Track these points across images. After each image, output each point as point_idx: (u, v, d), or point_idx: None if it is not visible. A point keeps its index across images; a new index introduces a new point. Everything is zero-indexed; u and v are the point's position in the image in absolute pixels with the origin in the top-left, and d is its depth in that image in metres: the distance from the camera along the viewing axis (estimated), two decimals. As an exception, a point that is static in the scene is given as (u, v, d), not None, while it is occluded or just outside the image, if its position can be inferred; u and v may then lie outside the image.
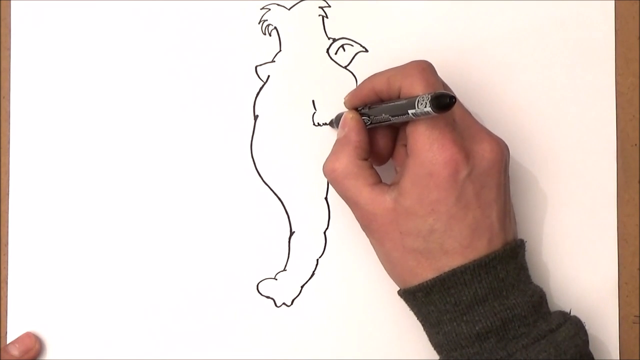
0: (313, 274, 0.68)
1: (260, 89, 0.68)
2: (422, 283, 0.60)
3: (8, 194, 0.67)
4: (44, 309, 0.67)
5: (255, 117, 0.68)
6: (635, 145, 0.67)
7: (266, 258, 0.67)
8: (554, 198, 0.68)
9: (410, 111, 0.57)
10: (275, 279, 0.67)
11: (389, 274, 0.63)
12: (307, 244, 0.68)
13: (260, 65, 0.68)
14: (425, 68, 0.60)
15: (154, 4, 0.67)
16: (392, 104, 0.60)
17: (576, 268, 0.67)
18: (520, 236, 0.64)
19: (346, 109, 0.64)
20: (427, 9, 0.68)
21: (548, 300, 0.62)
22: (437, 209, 0.59)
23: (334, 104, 0.67)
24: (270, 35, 0.68)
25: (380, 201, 0.60)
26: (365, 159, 0.62)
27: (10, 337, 0.66)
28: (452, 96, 0.55)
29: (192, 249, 0.67)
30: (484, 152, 0.60)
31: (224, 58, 0.67)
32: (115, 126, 0.67)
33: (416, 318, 0.62)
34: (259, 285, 0.67)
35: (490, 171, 0.60)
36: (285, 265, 0.68)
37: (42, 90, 0.67)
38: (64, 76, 0.67)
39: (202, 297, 0.67)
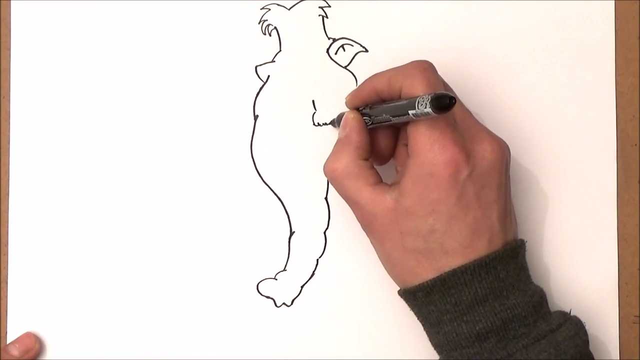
0: (313, 274, 0.68)
1: (260, 89, 0.68)
2: (423, 283, 0.60)
3: (8, 194, 0.67)
4: (44, 309, 0.67)
5: (255, 117, 0.68)
6: (635, 145, 0.67)
7: (266, 258, 0.67)
8: (553, 198, 0.68)
9: (410, 112, 0.57)
10: (275, 279, 0.67)
11: (389, 273, 0.63)
12: (307, 244, 0.68)
13: (260, 65, 0.68)
14: (426, 68, 0.60)
15: (154, 4, 0.67)
16: (393, 104, 0.60)
17: (576, 268, 0.67)
18: (520, 236, 0.64)
19: (347, 109, 0.64)
20: (427, 9, 0.68)
21: (548, 300, 0.62)
22: (437, 209, 0.59)
23: (334, 104, 0.67)
24: (270, 35, 0.68)
25: (380, 201, 0.60)
26: (366, 159, 0.62)
27: (10, 337, 0.66)
28: (452, 97, 0.55)
29: (192, 249, 0.67)
30: (485, 152, 0.60)
31: (224, 58, 0.67)
32: (116, 126, 0.67)
33: (416, 318, 0.62)
34: (259, 285, 0.67)
35: (491, 171, 0.60)
36: (285, 265, 0.68)
37: (42, 90, 0.67)
38: (64, 76, 0.67)
39: (202, 297, 0.67)
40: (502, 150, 0.61)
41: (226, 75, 0.67)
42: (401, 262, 0.60)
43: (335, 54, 0.68)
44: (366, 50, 0.68)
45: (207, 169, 0.67)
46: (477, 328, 0.59)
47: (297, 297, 0.67)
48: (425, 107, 0.56)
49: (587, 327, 0.62)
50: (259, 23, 0.68)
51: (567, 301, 0.67)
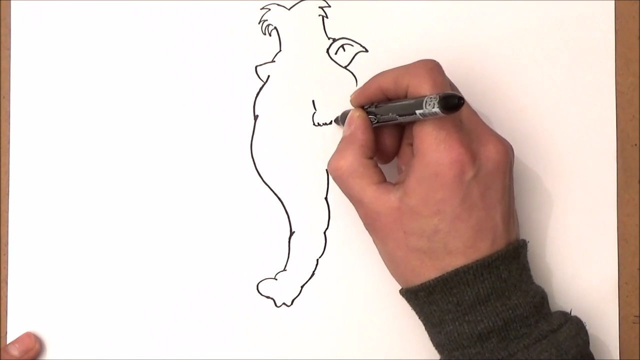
0: (313, 274, 0.68)
1: (260, 89, 0.68)
2: (425, 282, 0.60)
3: (8, 194, 0.67)
4: (44, 309, 0.67)
5: (255, 117, 0.68)
6: (635, 145, 0.68)
7: (266, 258, 0.67)
8: (553, 198, 0.68)
9: (417, 111, 0.57)
10: (275, 279, 0.67)
11: (391, 273, 0.63)
12: (307, 244, 0.68)
13: (260, 65, 0.68)
14: (433, 67, 0.60)
15: (154, 4, 0.67)
16: (400, 103, 0.60)
17: (576, 268, 0.67)
18: (520, 236, 0.64)
19: (351, 107, 0.64)
20: (427, 9, 0.68)
21: (549, 300, 0.62)
22: (442, 209, 0.59)
23: (334, 104, 0.67)
24: (270, 35, 0.68)
25: (384, 200, 0.60)
26: (371, 158, 0.62)
27: (10, 337, 0.66)
28: (461, 97, 0.56)
29: (192, 249, 0.67)
30: (490, 153, 0.60)
31: (224, 58, 0.67)
32: (116, 126, 0.67)
33: (417, 317, 0.62)
34: (259, 285, 0.67)
35: (496, 173, 0.60)
36: (285, 265, 0.67)
37: (42, 90, 0.67)
38: (64, 76, 0.67)
39: (202, 297, 0.67)
40: (507, 152, 0.60)
41: (226, 75, 0.67)
42: (404, 261, 0.60)
43: (335, 54, 0.68)
44: (366, 50, 0.68)
45: (207, 169, 0.67)
46: (478, 328, 0.59)
47: (297, 297, 0.67)
48: (433, 107, 0.56)
49: (587, 327, 0.62)
50: (259, 23, 0.68)
51: (568, 301, 0.67)
